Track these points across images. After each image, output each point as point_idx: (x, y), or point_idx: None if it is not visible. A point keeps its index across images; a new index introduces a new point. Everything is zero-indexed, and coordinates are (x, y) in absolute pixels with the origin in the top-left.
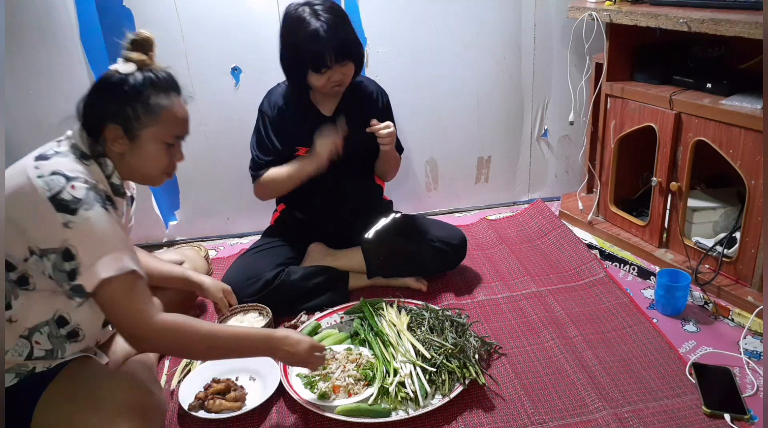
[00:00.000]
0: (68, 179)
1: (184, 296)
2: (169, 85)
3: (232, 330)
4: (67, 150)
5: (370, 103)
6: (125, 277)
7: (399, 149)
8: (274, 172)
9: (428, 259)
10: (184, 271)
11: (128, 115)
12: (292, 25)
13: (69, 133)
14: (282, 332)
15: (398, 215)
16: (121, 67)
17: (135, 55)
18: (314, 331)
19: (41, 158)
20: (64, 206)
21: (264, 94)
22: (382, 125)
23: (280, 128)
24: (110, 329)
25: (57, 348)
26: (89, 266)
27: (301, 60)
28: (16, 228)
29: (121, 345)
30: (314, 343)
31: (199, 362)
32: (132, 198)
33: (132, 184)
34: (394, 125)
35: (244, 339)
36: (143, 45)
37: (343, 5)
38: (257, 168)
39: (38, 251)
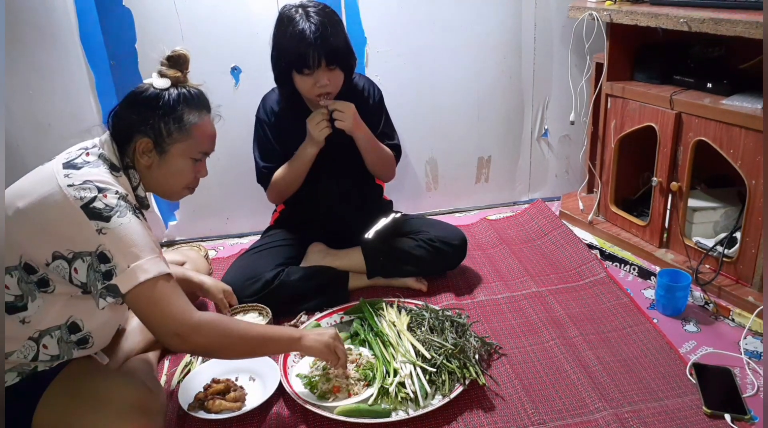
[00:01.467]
0: (100, 189)
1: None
2: (201, 102)
3: (261, 329)
4: (97, 160)
5: (363, 100)
6: (163, 279)
7: (397, 150)
8: (279, 171)
9: (428, 259)
10: (185, 272)
11: (160, 129)
12: (281, 24)
13: (95, 141)
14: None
15: (398, 215)
16: (156, 82)
17: (171, 71)
18: None
19: (70, 166)
20: (96, 214)
21: (262, 95)
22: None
23: (278, 132)
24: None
25: (64, 354)
26: (125, 269)
27: (285, 60)
28: (43, 233)
29: (121, 346)
30: (337, 333)
31: (199, 362)
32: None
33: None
34: (387, 119)
35: (272, 337)
36: (179, 62)
37: (343, 5)
38: (265, 178)
39: (69, 254)
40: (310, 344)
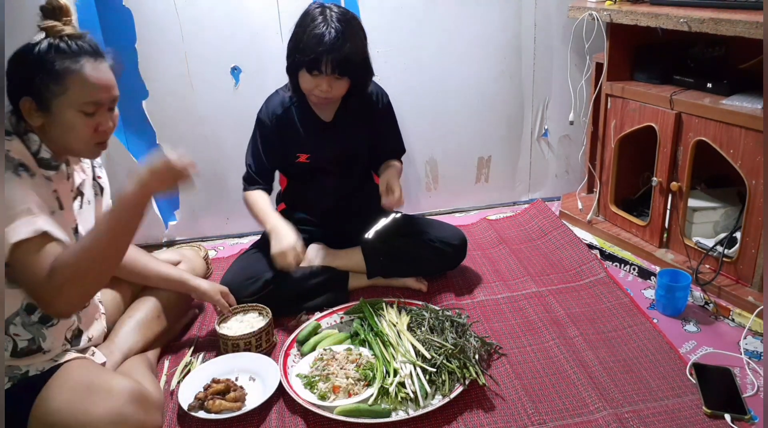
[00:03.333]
0: None
1: (182, 296)
2: (80, 49)
3: (102, 220)
4: None
5: (372, 105)
6: (39, 240)
7: (401, 150)
8: (254, 199)
9: (428, 259)
10: (182, 275)
11: (36, 85)
12: (304, 20)
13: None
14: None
15: (398, 215)
16: (35, 37)
17: (46, 22)
18: (314, 331)
19: None
20: None
21: (263, 95)
22: (392, 200)
23: (279, 135)
24: (97, 316)
25: (36, 336)
26: (2, 235)
27: (299, 56)
28: None
29: (119, 345)
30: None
31: (199, 362)
32: (101, 187)
33: (102, 175)
34: (394, 124)
35: (114, 216)
36: (54, 12)
37: (342, 5)
38: (248, 181)
39: None
40: (140, 184)
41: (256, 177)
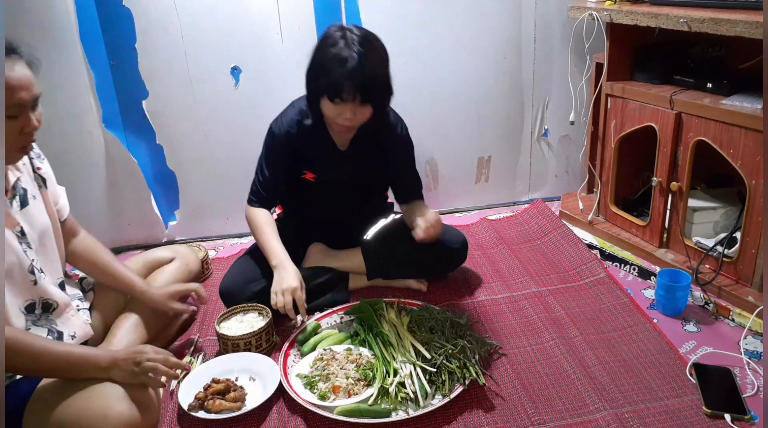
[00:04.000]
0: None
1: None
2: None
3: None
4: None
5: (391, 132)
6: None
7: (420, 188)
8: (258, 222)
9: (428, 262)
10: (132, 279)
11: None
12: (325, 44)
13: None
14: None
15: (398, 216)
16: None
17: None
18: (314, 331)
19: None
20: None
21: (263, 95)
22: (427, 231)
23: (289, 152)
24: (71, 313)
25: None
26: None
27: (320, 81)
28: None
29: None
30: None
31: (199, 362)
32: (43, 178)
33: (42, 165)
34: (411, 160)
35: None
36: None
37: (342, 5)
38: (253, 193)
39: None
40: (118, 375)
41: (261, 190)
